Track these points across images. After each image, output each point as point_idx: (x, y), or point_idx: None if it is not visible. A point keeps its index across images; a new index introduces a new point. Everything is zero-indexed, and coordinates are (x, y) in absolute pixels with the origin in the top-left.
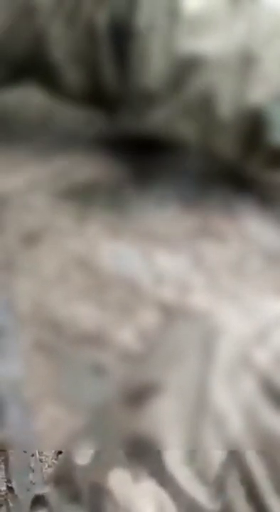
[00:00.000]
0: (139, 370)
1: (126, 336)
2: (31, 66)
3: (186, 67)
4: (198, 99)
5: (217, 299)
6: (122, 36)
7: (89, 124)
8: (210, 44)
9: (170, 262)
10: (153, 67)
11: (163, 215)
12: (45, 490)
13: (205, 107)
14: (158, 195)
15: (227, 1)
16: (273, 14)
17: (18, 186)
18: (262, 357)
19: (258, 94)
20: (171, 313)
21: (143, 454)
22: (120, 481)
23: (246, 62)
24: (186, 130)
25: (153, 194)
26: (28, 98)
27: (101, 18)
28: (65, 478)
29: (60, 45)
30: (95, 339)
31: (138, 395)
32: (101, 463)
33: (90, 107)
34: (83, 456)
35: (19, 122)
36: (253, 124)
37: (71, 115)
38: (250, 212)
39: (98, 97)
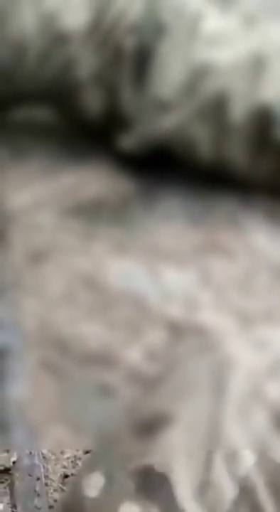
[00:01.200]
0: (149, 397)
1: (133, 355)
2: (56, 90)
3: (199, 74)
4: (211, 103)
5: (226, 317)
6: (145, 58)
7: (99, 143)
8: (224, 53)
9: (177, 279)
10: (170, 78)
11: (170, 231)
12: None
13: (217, 110)
14: (164, 211)
15: (243, 21)
16: None
17: (24, 204)
18: (274, 390)
19: (268, 94)
20: (179, 331)
21: (154, 488)
22: None
23: (258, 67)
24: (198, 135)
25: (158, 210)
26: (35, 115)
27: (129, 43)
28: (73, 510)
29: (87, 69)
30: (102, 359)
31: (149, 425)
32: (112, 496)
33: (105, 128)
34: (93, 488)
35: (26, 139)
36: (263, 123)
37: (79, 132)
38: (258, 227)
39: (113, 119)
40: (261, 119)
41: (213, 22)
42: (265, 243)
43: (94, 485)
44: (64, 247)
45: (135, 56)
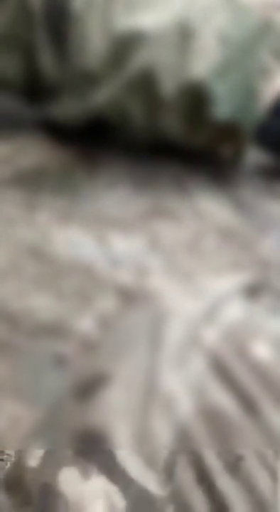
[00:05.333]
0: (90, 361)
1: (85, 323)
2: None
3: (125, 45)
4: (140, 76)
5: (175, 280)
6: (60, 19)
7: (30, 108)
8: (148, 20)
9: (125, 245)
10: (92, 47)
11: (115, 198)
12: None
13: (147, 83)
14: (108, 177)
15: None
16: None
17: None
18: (211, 336)
19: (198, 68)
20: (129, 297)
21: (93, 450)
22: (69, 480)
23: (185, 36)
24: (131, 108)
25: (102, 176)
26: None
27: (37, 0)
28: (15, 482)
29: None
30: (53, 330)
31: (87, 388)
32: (52, 463)
33: (28, 93)
34: (33, 458)
35: None
36: (195, 100)
37: (11, 100)
38: (203, 190)
39: (36, 83)
40: (193, 96)
41: None
42: (211, 206)
43: (34, 455)
44: (6, 218)
45: (46, 15)
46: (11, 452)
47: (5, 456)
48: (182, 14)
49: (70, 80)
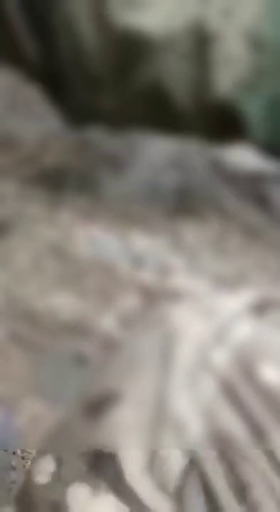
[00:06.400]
0: (97, 379)
1: (107, 323)
2: None
3: (129, 49)
4: (149, 88)
5: (199, 280)
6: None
7: (54, 105)
8: (153, 20)
9: (148, 244)
10: (88, 43)
11: (138, 196)
12: (6, 511)
13: (158, 98)
14: (132, 176)
15: None
16: None
17: None
18: (220, 357)
19: (222, 81)
20: (152, 296)
21: (102, 467)
22: (78, 496)
23: (202, 41)
24: (143, 119)
25: (126, 175)
26: None
27: None
28: (25, 499)
29: None
30: (75, 329)
31: (98, 405)
32: (61, 480)
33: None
34: (43, 474)
35: None
36: (222, 121)
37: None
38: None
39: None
40: (220, 115)
41: None
42: (236, 205)
43: (44, 472)
44: (29, 217)
45: None
46: (32, 451)
47: (25, 454)
48: (197, 11)
49: (73, 76)
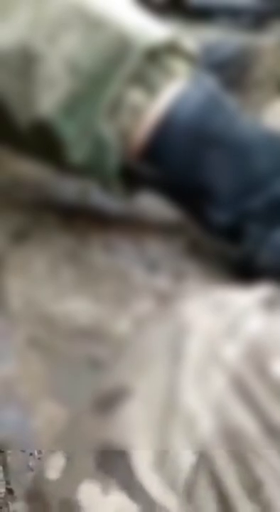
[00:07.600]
0: (108, 375)
1: (122, 327)
2: None
3: None
4: None
5: (212, 284)
6: None
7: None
8: None
9: (163, 249)
10: None
11: (153, 202)
12: (18, 507)
13: (2, 113)
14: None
15: None
16: (63, 2)
17: (2, 183)
18: (231, 352)
19: (45, 102)
20: (167, 302)
21: (113, 464)
22: (89, 494)
23: (28, 60)
24: None
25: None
26: None
27: None
28: (36, 495)
29: None
30: (91, 333)
31: (108, 401)
32: (72, 476)
33: None
34: (54, 470)
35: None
36: (48, 140)
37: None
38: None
39: None
40: (45, 135)
41: None
42: None
43: (55, 467)
44: (45, 223)
45: None
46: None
47: (42, 455)
48: (26, 32)
49: None
